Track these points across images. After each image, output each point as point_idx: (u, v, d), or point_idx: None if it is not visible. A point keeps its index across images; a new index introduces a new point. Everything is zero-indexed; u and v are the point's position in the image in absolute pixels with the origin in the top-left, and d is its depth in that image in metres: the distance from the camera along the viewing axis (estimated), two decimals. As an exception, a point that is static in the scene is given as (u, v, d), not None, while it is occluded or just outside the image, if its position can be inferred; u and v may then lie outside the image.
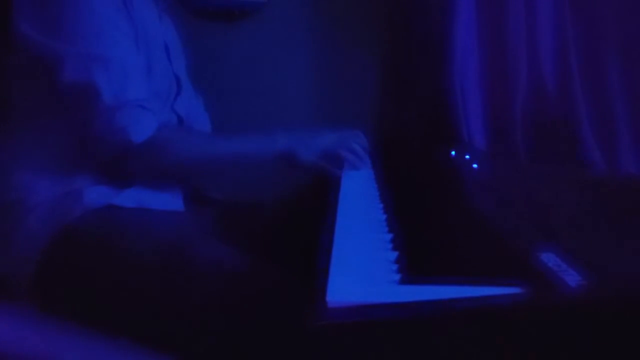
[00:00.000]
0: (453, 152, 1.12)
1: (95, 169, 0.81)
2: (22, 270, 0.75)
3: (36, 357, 0.58)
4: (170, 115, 0.96)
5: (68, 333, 0.61)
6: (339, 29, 1.45)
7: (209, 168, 0.91)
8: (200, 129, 1.10)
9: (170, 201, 0.92)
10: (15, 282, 0.76)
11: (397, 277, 0.43)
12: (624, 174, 1.18)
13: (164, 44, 0.96)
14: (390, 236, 0.54)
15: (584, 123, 1.18)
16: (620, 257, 0.47)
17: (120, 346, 0.60)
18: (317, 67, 1.46)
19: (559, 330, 0.37)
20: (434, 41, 1.30)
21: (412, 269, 0.43)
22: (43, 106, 0.81)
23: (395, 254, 0.48)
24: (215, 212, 1.01)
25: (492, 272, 0.42)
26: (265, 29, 1.41)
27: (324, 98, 1.46)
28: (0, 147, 0.83)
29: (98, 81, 0.76)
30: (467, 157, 1.06)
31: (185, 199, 0.97)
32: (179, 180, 0.95)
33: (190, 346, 0.63)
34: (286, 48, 1.44)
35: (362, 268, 0.46)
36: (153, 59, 0.89)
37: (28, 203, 0.77)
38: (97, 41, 0.78)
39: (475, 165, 0.98)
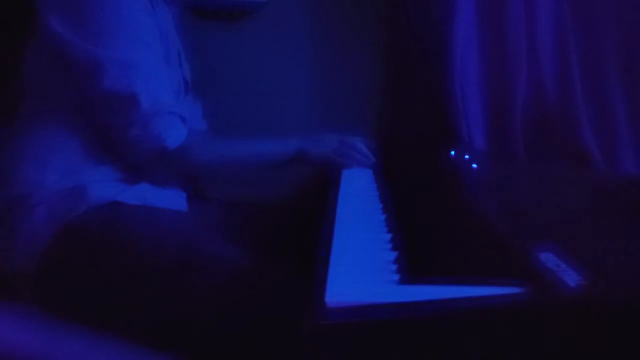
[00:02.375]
0: (453, 152, 1.12)
1: (122, 168, 0.83)
2: (26, 266, 0.75)
3: (36, 357, 0.58)
4: None
5: (68, 333, 0.61)
6: (339, 29, 1.44)
7: (231, 169, 0.99)
8: None
9: (173, 200, 0.92)
10: (18, 278, 0.76)
11: (397, 277, 0.43)
12: (624, 174, 1.18)
13: (177, 49, 0.97)
14: (389, 236, 0.54)
15: (584, 123, 1.18)
16: (620, 257, 0.47)
17: (120, 346, 0.60)
18: (317, 67, 1.46)
19: (559, 330, 0.37)
20: (434, 41, 1.30)
21: (411, 269, 0.43)
22: (62, 103, 0.81)
23: (394, 254, 0.48)
24: (216, 211, 1.01)
25: (491, 272, 0.42)
26: (265, 29, 1.41)
27: (323, 98, 1.46)
28: (6, 143, 0.83)
29: (137, 88, 0.78)
30: (467, 157, 1.06)
31: (188, 199, 0.98)
32: (202, 178, 0.99)
33: (191, 345, 0.63)
34: (286, 48, 1.44)
35: (361, 268, 0.46)
36: (170, 63, 0.90)
37: (33, 199, 0.78)
38: (133, 47, 0.79)
39: (475, 165, 0.98)
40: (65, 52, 0.77)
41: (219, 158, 0.93)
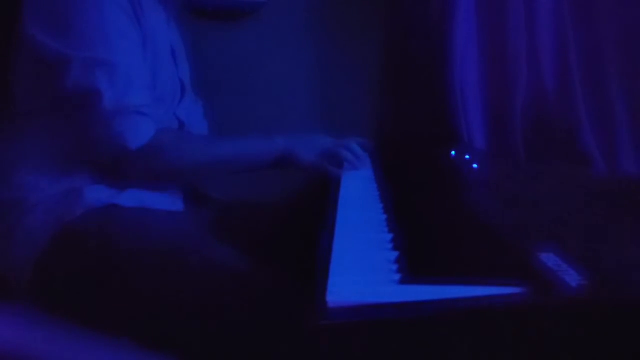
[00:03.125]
0: (453, 152, 1.12)
1: (93, 170, 0.82)
2: (22, 269, 0.75)
3: (36, 357, 0.58)
4: (172, 120, 0.97)
5: (68, 333, 0.61)
6: (339, 29, 1.45)
7: (208, 171, 0.93)
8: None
9: (170, 201, 0.92)
10: (15, 282, 0.76)
11: (397, 277, 0.43)
12: (624, 174, 1.18)
13: (171, 49, 0.96)
14: (390, 236, 0.54)
15: (584, 123, 1.18)
16: (620, 257, 0.47)
17: (120, 346, 0.60)
18: (317, 67, 1.46)
19: (559, 330, 0.37)
20: (434, 41, 1.30)
21: (412, 269, 0.43)
22: (45, 106, 0.81)
23: (395, 254, 0.48)
24: (215, 212, 1.01)
25: (492, 272, 0.42)
26: (265, 29, 1.41)
27: (323, 98, 1.46)
28: (1, 146, 0.83)
29: (100, 86, 0.77)
30: (467, 157, 1.06)
31: (185, 199, 0.97)
32: (176, 181, 0.95)
33: (190, 346, 0.63)
34: (286, 48, 1.44)
35: (362, 268, 0.46)
36: (159, 63, 0.90)
37: (29, 202, 0.78)
38: (103, 46, 0.78)
39: (475, 165, 0.98)
40: (40, 54, 0.77)
41: (193, 160, 0.89)
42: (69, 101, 0.78)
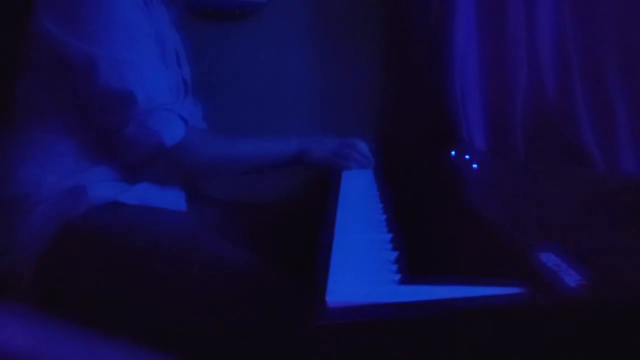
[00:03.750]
0: (453, 152, 1.12)
1: (119, 167, 0.83)
2: (25, 267, 0.75)
3: (37, 357, 0.58)
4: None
5: (69, 332, 0.61)
6: (339, 29, 1.44)
7: (230, 169, 0.97)
8: None
9: (173, 200, 0.92)
10: (17, 279, 0.76)
11: (397, 277, 0.43)
12: (624, 174, 1.18)
13: (175, 49, 0.96)
14: (390, 236, 0.54)
15: (584, 123, 1.18)
16: (621, 257, 0.47)
17: (120, 346, 0.60)
18: (317, 67, 1.46)
19: (559, 330, 0.37)
20: (434, 41, 1.30)
21: (412, 269, 0.43)
22: (60, 104, 0.81)
23: (395, 254, 0.48)
24: (216, 211, 1.01)
25: (491, 272, 0.42)
26: (265, 29, 1.41)
27: (323, 98, 1.46)
28: (5, 143, 0.83)
29: (132, 86, 0.78)
30: (467, 157, 1.06)
31: (187, 199, 0.97)
32: (196, 179, 0.97)
33: (191, 345, 0.63)
34: (286, 48, 1.44)
35: (362, 268, 0.46)
36: (167, 62, 0.90)
37: (32, 198, 0.78)
38: (128, 45, 0.79)
39: (475, 165, 0.98)
40: (60, 52, 0.77)
41: (218, 157, 0.92)
42: (97, 101, 0.79)
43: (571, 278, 0.40)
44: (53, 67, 0.79)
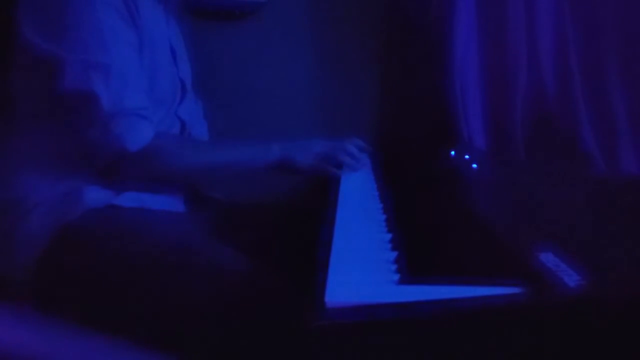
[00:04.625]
0: (453, 152, 1.12)
1: (91, 172, 0.82)
2: (22, 270, 0.75)
3: (36, 357, 0.58)
4: (173, 120, 0.97)
5: (68, 333, 0.61)
6: (339, 29, 1.44)
7: (203, 175, 0.94)
8: (198, 135, 1.10)
9: (170, 202, 0.92)
10: (15, 282, 0.76)
11: (396, 277, 0.43)
12: (624, 174, 1.18)
13: (171, 48, 0.96)
14: (389, 236, 0.54)
15: (584, 123, 1.18)
16: (620, 257, 0.47)
17: (120, 346, 0.60)
18: (317, 67, 1.46)
19: (558, 330, 0.37)
20: (434, 42, 1.30)
21: (411, 269, 0.43)
22: (43, 108, 0.81)
23: (394, 254, 0.48)
24: (215, 212, 1.01)
25: (491, 272, 0.42)
26: (265, 29, 1.41)
27: (323, 98, 1.46)
28: (1, 147, 0.83)
29: (97, 88, 0.77)
30: (467, 157, 1.06)
31: (185, 200, 0.97)
32: (172, 184, 0.95)
33: (190, 346, 0.63)
34: (286, 48, 1.44)
35: (361, 268, 0.46)
36: (159, 64, 0.89)
37: (28, 202, 0.78)
38: (97, 48, 0.78)
39: (475, 165, 0.98)
40: (34, 55, 0.77)
41: (193, 164, 0.89)
42: (64, 103, 0.78)
43: (571, 278, 0.40)
44: (30, 70, 0.80)
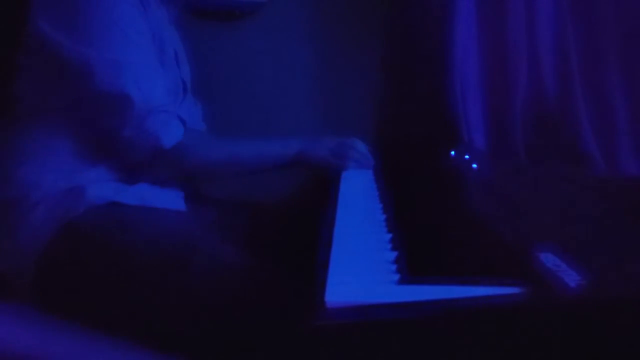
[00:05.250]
0: (453, 152, 1.12)
1: (118, 168, 0.83)
2: (25, 267, 0.75)
3: (36, 357, 0.58)
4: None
5: (68, 333, 0.61)
6: (339, 29, 1.44)
7: (229, 170, 0.96)
8: None
9: (172, 200, 0.92)
10: (16, 278, 0.76)
11: (396, 277, 0.43)
12: (624, 174, 1.18)
13: (173, 50, 0.96)
14: (389, 236, 0.54)
15: (584, 123, 1.18)
16: (620, 257, 0.47)
17: (120, 346, 0.60)
18: (317, 68, 1.46)
19: (559, 330, 0.37)
20: (434, 42, 1.30)
21: (411, 269, 0.43)
22: (58, 105, 0.81)
23: (394, 254, 0.48)
24: (215, 212, 1.01)
25: (491, 272, 0.42)
26: (265, 29, 1.41)
27: (323, 98, 1.46)
28: (4, 143, 0.83)
29: (128, 88, 0.77)
30: (467, 157, 1.06)
31: (186, 199, 0.97)
32: (194, 181, 0.97)
33: (191, 345, 0.63)
34: (286, 48, 1.44)
35: (361, 268, 0.46)
36: (165, 63, 0.90)
37: (31, 199, 0.78)
38: (123, 46, 0.79)
39: (475, 165, 0.98)
40: (56, 54, 0.77)
41: (218, 159, 0.92)
42: (94, 103, 0.79)
43: (571, 278, 0.40)
44: (50, 68, 0.79)
